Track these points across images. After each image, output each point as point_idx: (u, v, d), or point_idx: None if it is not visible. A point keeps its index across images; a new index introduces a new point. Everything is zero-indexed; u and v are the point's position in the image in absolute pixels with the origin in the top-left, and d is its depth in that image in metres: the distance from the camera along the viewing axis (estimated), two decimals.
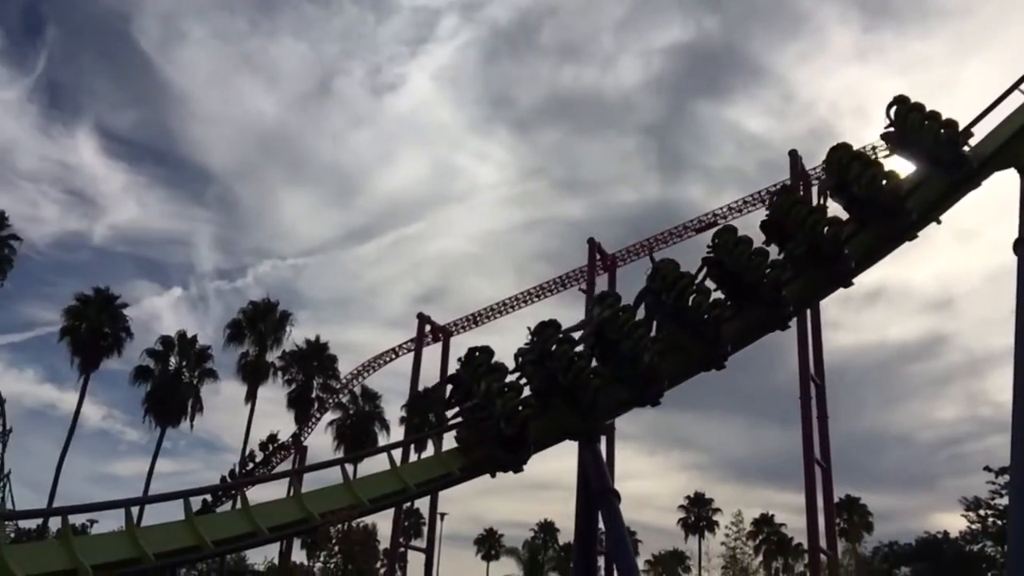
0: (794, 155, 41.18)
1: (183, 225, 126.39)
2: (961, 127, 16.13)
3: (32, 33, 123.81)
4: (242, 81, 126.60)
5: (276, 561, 50.58)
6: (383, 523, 42.62)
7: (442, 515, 50.79)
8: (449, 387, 14.98)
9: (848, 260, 15.39)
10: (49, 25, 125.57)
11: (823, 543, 36.44)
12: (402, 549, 51.35)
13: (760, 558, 74.10)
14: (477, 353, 14.66)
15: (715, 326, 14.66)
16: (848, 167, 15.94)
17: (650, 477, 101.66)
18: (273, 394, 55.34)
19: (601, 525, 15.53)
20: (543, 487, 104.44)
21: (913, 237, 16.03)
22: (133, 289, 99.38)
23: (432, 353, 49.88)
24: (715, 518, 78.27)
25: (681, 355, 14.92)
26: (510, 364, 14.53)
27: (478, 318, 51.78)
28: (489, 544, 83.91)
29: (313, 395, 55.35)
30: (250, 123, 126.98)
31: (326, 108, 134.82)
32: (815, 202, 16.33)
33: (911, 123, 16.24)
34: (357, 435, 53.59)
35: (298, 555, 52.44)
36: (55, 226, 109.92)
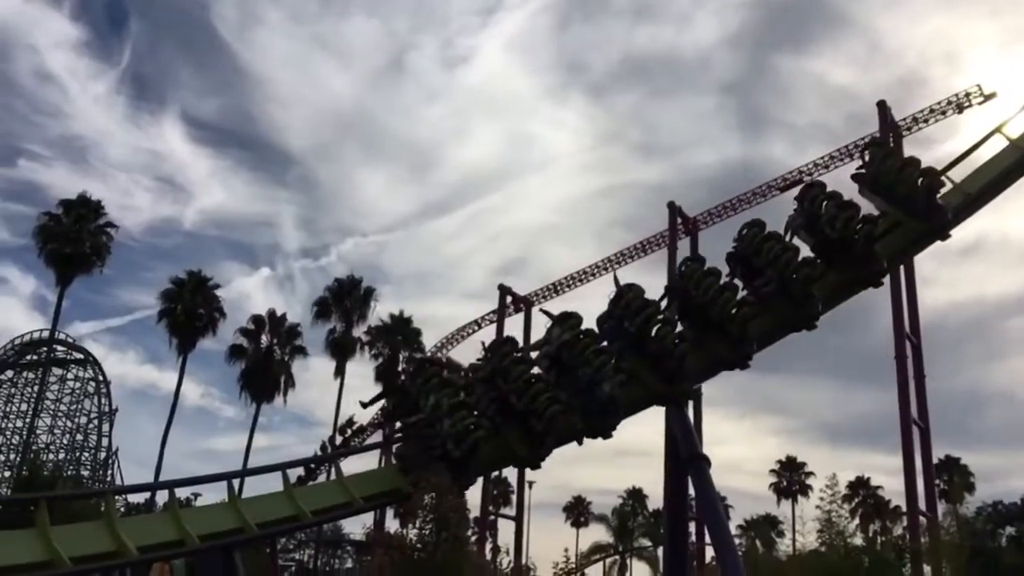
0: (883, 106, 39.62)
1: (268, 207, 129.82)
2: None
3: (116, 26, 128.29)
4: (317, 62, 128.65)
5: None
6: (472, 492, 43.15)
7: (530, 483, 51.28)
8: (392, 399, 13.82)
9: (816, 304, 14.93)
10: (132, 17, 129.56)
11: (922, 505, 35.44)
12: (492, 517, 52.08)
13: (856, 521, 72.55)
14: (428, 365, 13.72)
15: (678, 361, 13.88)
16: (822, 206, 15.43)
17: (739, 442, 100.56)
18: (361, 368, 56.62)
19: (691, 491, 15.40)
20: (630, 454, 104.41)
21: (879, 284, 15.77)
22: (223, 271, 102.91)
23: (514, 324, 50.09)
24: (808, 482, 77.03)
25: (639, 387, 14.03)
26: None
27: (559, 287, 51.75)
28: (578, 511, 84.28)
29: (400, 368, 56.10)
30: (326, 103, 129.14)
31: (399, 84, 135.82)
32: (785, 236, 15.54)
33: (887, 167, 15.89)
34: None
35: (392, 524, 53.89)
36: (148, 213, 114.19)
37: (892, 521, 72.79)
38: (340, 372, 53.20)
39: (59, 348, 52.48)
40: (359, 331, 55.14)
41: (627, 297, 14.55)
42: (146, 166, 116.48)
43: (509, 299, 51.18)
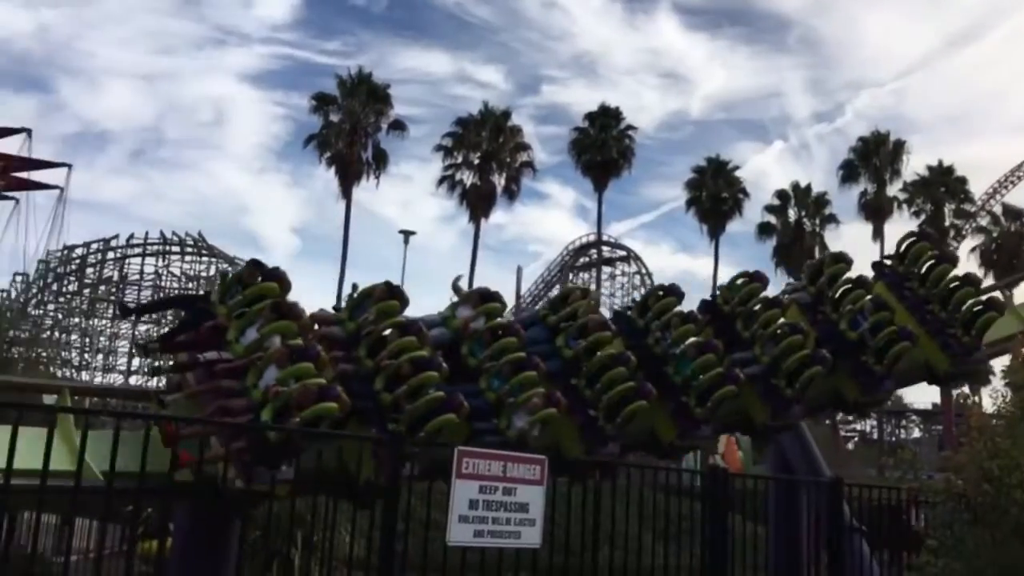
0: None
1: (770, 78, 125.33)
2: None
3: None
4: None
5: None
6: None
7: None
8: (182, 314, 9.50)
9: (798, 415, 11.70)
10: None
11: None
12: None
13: None
14: (261, 278, 8.65)
15: (621, 425, 9.78)
16: (844, 293, 12.10)
17: None
18: (900, 229, 52.65)
19: None
20: None
21: (865, 415, 9.37)
22: (737, 151, 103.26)
23: None
24: None
25: (550, 438, 9.67)
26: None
27: None
28: None
29: (947, 223, 51.65)
30: None
31: None
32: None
33: (935, 276, 12.61)
34: (1007, 258, 48.83)
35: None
36: (658, 110, 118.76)
37: None
38: (878, 235, 50.59)
39: (605, 248, 58.19)
40: (893, 189, 52.11)
41: (576, 306, 10.84)
42: (648, 65, 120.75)
43: None
